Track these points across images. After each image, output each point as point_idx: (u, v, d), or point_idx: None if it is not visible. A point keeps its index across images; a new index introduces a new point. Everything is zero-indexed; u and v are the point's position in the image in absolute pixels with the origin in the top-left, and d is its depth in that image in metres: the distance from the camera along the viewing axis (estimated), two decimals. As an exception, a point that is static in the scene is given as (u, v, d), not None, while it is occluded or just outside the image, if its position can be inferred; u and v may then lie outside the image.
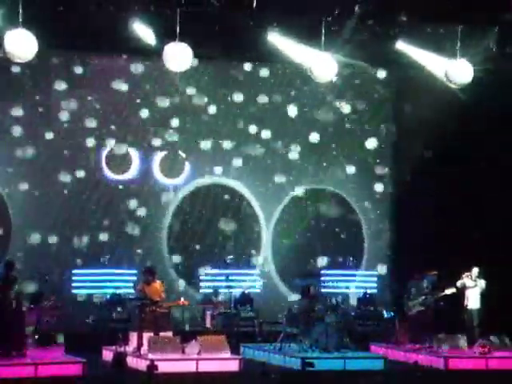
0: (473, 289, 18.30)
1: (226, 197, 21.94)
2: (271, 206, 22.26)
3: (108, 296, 20.02)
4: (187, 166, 21.66)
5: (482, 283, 18.31)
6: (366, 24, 16.97)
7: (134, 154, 21.29)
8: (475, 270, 18.36)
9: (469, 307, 18.33)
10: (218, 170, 21.81)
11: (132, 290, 19.43)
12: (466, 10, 16.49)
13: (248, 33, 17.24)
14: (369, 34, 17.40)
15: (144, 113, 21.17)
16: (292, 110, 22.11)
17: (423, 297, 18.44)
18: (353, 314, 20.85)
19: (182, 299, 18.47)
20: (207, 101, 21.59)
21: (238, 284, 20.85)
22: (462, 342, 17.85)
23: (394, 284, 21.95)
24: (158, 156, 21.47)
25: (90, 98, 20.87)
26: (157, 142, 21.38)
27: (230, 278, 20.14)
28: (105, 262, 20.61)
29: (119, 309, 19.68)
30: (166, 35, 16.55)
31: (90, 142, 20.87)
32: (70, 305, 19.66)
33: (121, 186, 21.17)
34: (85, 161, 20.90)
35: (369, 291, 21.79)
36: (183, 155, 21.63)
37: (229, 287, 20.01)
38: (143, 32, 16.92)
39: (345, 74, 20.55)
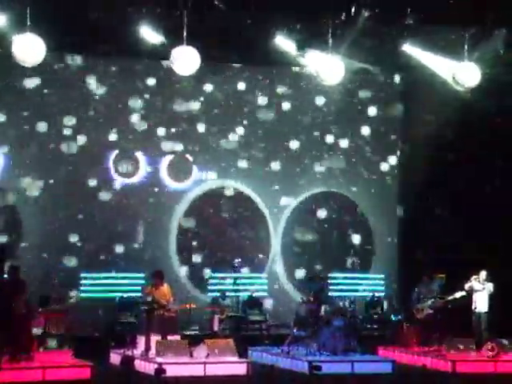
0: (481, 292, 18.22)
1: (236, 200, 21.96)
2: (280, 209, 22.27)
3: (116, 299, 20.08)
4: (195, 170, 21.71)
5: (490, 286, 18.24)
6: (374, 26, 16.96)
7: (142, 159, 21.35)
8: (483, 273, 18.28)
9: (477, 310, 18.26)
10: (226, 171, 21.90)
11: (140, 294, 19.43)
12: (474, 12, 16.48)
13: (255, 36, 17.28)
14: (376, 37, 17.39)
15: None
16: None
17: (432, 300, 18.41)
18: (360, 317, 20.83)
19: (190, 303, 18.46)
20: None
21: (246, 287, 20.87)
22: (470, 345, 17.81)
23: (402, 287, 21.93)
24: (166, 160, 21.53)
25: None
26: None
27: (238, 281, 20.15)
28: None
29: (127, 312, 19.73)
30: (173, 39, 16.58)
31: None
32: (77, 308, 19.68)
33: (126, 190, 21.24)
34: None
35: (376, 294, 21.78)
36: (190, 158, 21.69)
37: (236, 290, 20.01)
38: (150, 35, 16.95)
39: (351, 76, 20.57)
